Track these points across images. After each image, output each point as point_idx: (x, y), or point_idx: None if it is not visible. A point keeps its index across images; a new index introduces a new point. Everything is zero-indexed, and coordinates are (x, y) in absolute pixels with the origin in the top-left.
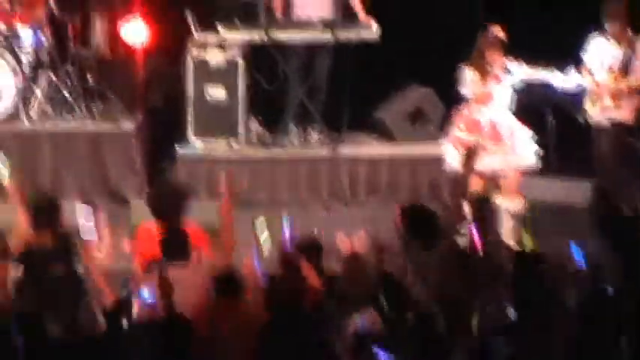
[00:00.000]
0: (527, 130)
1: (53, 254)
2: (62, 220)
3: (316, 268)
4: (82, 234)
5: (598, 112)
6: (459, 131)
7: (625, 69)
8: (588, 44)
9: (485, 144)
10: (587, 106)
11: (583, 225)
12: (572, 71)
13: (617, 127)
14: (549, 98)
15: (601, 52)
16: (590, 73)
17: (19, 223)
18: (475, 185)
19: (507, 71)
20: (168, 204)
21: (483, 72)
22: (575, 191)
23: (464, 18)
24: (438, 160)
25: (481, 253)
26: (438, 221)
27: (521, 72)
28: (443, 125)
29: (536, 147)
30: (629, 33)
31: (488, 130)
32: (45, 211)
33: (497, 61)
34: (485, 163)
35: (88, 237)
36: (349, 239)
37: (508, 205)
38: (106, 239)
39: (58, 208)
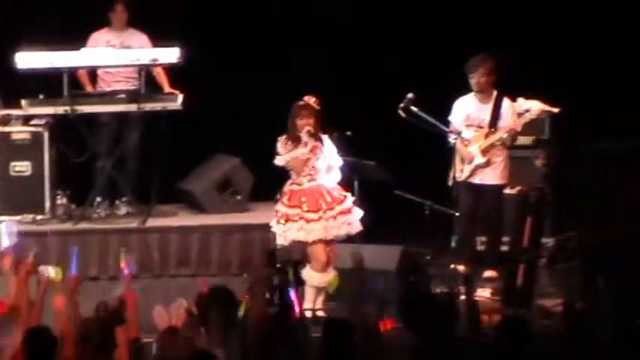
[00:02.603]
0: (349, 197)
1: None
2: None
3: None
4: None
5: (469, 170)
6: (281, 205)
7: (494, 125)
8: (453, 104)
9: (305, 215)
10: (457, 163)
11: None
12: None
13: (489, 188)
14: (358, 165)
15: (467, 110)
16: (457, 132)
17: None
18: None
19: (321, 140)
20: None
21: (298, 141)
22: (383, 256)
23: (274, 85)
24: (247, 230)
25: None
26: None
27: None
28: (252, 195)
29: (359, 214)
30: (494, 90)
31: (308, 201)
32: None
33: (310, 130)
34: (305, 233)
35: None
36: (167, 311)
37: (319, 277)
38: None
39: None
